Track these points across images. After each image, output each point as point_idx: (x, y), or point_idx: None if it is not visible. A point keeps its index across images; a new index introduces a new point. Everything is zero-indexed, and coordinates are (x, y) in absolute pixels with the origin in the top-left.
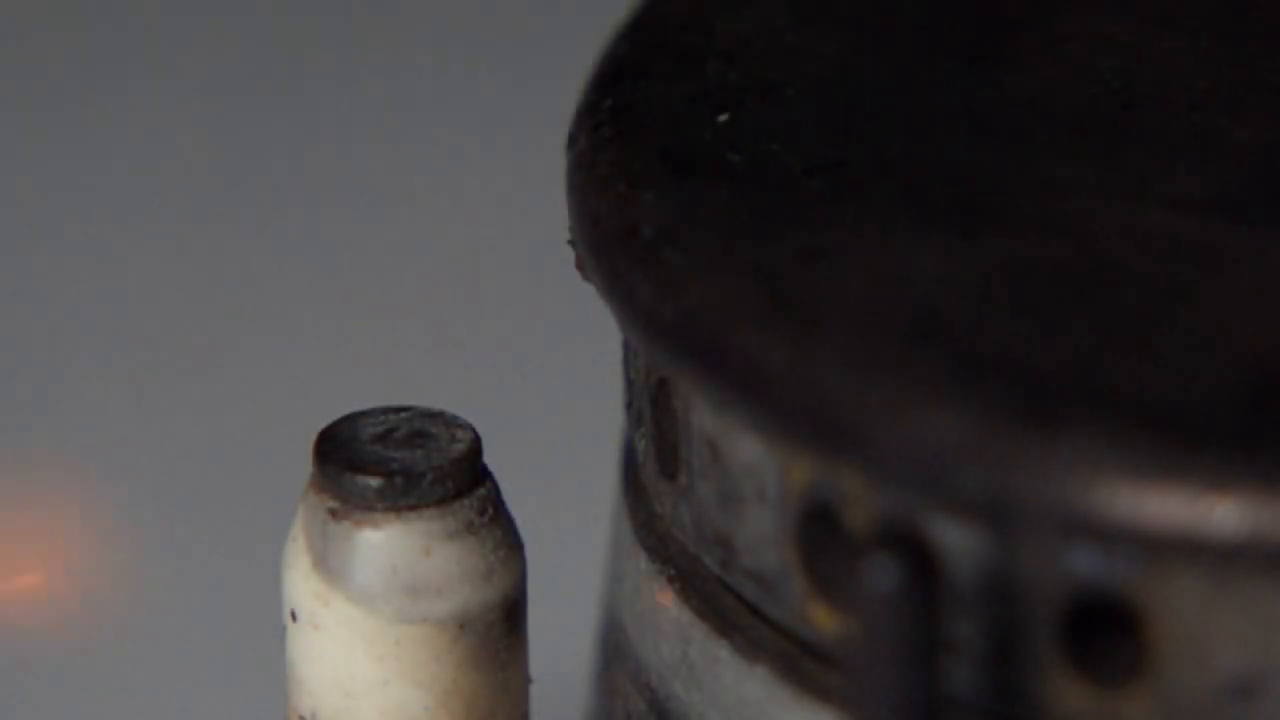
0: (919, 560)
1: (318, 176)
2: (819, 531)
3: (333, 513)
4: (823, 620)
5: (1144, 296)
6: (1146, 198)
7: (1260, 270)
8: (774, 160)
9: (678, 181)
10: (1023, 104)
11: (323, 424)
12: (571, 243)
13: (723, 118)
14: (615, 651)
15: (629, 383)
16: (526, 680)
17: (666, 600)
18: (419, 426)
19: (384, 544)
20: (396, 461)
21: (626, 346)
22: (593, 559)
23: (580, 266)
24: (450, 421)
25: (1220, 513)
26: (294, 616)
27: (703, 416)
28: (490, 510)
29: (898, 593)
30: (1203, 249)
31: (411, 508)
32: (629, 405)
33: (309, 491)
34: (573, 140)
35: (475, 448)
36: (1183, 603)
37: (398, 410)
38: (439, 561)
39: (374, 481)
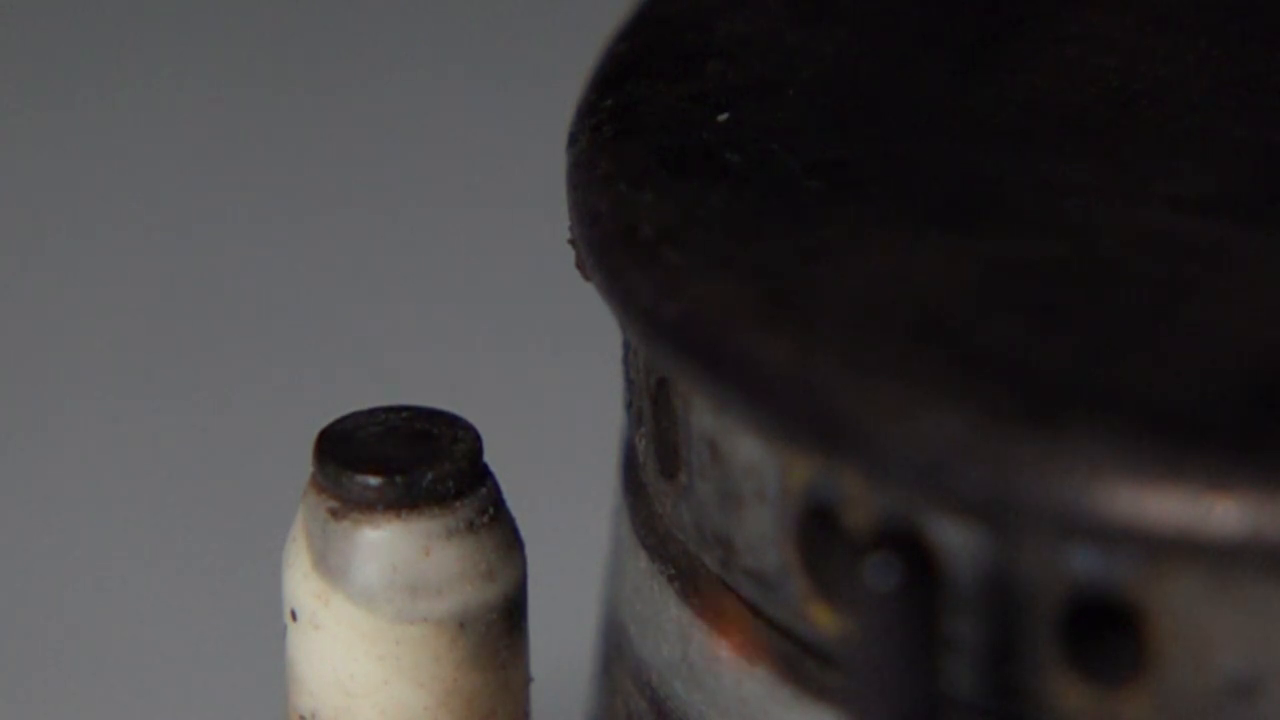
0: (919, 560)
1: (318, 176)
2: (819, 531)
3: (333, 513)
4: (823, 620)
5: (1144, 296)
6: (1146, 198)
7: (1260, 270)
8: (774, 160)
9: (678, 181)
10: (1023, 104)
11: (323, 424)
12: (571, 243)
13: (723, 118)
14: (616, 651)
15: (629, 383)
16: (527, 680)
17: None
18: (419, 426)
19: (384, 544)
20: (396, 461)
21: (626, 346)
22: (593, 559)
23: (580, 266)
24: (450, 421)
25: (1220, 513)
26: (294, 616)
27: (703, 416)
28: (490, 510)
29: (898, 592)
30: (1203, 249)
31: (411, 507)
32: (629, 405)
33: (309, 491)
34: (573, 140)
35: (475, 448)
36: (1183, 602)
37: (398, 410)
38: (439, 561)
39: (374, 481)
